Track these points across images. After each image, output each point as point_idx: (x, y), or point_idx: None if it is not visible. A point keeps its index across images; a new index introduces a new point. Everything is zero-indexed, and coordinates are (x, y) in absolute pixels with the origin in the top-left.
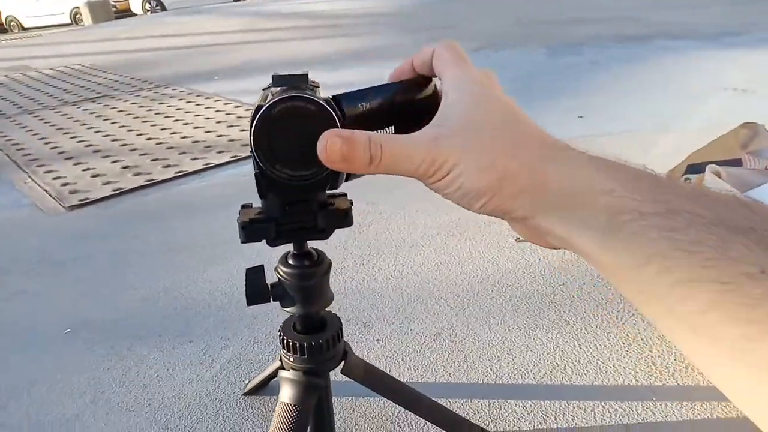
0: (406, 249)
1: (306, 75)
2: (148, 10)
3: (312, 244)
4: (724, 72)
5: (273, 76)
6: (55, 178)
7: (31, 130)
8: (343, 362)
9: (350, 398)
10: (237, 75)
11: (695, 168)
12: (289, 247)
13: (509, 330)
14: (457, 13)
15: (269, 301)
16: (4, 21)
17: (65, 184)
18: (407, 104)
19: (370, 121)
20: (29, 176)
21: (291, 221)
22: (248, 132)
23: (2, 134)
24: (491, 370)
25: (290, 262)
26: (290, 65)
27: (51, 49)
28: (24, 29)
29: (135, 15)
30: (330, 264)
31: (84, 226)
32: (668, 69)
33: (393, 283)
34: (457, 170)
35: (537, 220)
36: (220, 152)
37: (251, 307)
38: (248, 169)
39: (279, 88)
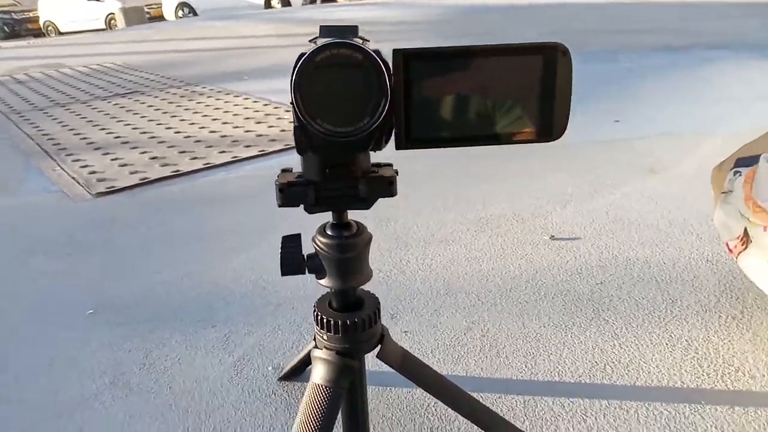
0: (435, 243)
1: (356, 27)
2: (180, 17)
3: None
4: (764, 82)
5: (320, 27)
6: (83, 167)
7: (62, 122)
8: (379, 346)
9: (377, 388)
10: (267, 75)
11: (745, 161)
12: (323, 218)
13: (544, 327)
14: (494, 22)
15: (304, 273)
16: (41, 25)
17: (93, 173)
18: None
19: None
20: (58, 164)
21: (331, 187)
22: (289, 80)
23: (34, 125)
24: (526, 366)
25: (329, 232)
26: None
27: (85, 48)
28: (60, 34)
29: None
30: (371, 237)
31: (110, 213)
32: (706, 78)
33: (421, 276)
34: None
35: None
36: (247, 146)
37: (275, 294)
38: (275, 162)
39: (326, 39)
